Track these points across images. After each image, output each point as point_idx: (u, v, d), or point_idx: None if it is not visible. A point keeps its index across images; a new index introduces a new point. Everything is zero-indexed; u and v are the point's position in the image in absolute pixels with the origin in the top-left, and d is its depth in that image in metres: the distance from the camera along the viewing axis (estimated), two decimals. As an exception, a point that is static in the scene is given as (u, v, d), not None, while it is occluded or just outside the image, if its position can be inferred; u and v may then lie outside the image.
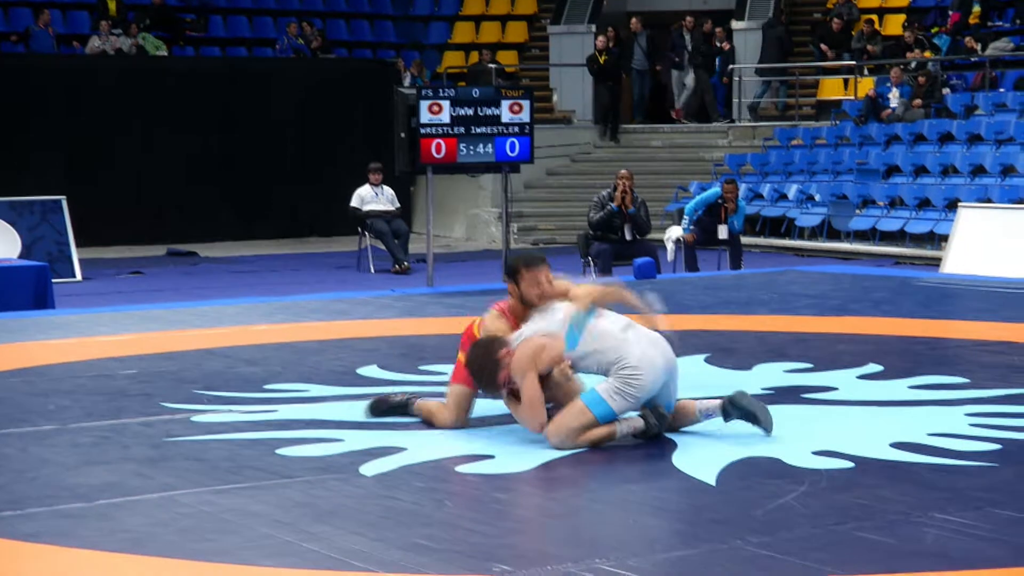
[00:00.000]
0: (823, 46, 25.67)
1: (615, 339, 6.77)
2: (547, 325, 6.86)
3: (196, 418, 7.55)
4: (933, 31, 25.17)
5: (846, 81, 25.91)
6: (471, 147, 15.36)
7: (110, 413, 7.70)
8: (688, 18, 26.83)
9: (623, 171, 15.71)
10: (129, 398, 8.14)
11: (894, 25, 26.29)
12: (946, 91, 23.31)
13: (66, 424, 7.43)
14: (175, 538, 5.37)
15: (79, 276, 17.61)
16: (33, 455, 6.74)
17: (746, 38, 26.68)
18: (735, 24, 26.78)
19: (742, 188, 20.47)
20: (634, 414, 6.82)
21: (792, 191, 22.46)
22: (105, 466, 6.51)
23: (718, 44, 26.16)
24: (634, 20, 26.59)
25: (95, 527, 5.53)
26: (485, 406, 7.43)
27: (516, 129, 15.70)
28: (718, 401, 6.98)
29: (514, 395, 6.88)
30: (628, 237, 15.39)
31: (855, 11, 26.50)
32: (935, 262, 17.50)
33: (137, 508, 5.78)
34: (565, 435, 6.69)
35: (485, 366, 6.86)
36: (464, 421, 7.19)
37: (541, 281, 7.05)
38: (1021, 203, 18.50)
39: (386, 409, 7.44)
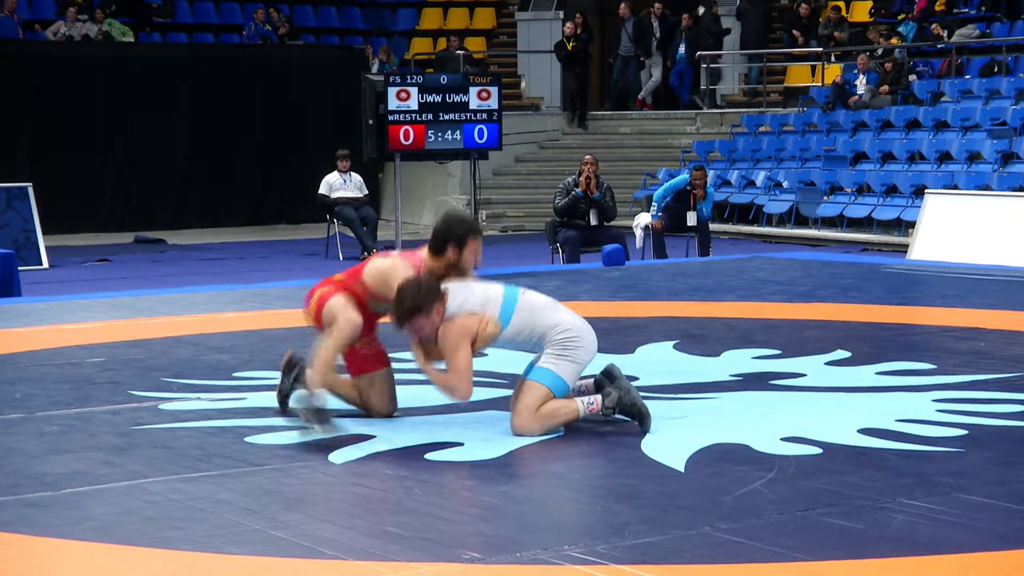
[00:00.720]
0: (795, 32, 25.72)
1: (546, 308, 6.79)
2: (473, 301, 6.72)
3: (164, 406, 7.52)
4: (900, 18, 25.25)
5: (813, 68, 25.97)
6: (439, 134, 15.35)
7: (77, 401, 7.67)
8: (657, 5, 26.83)
9: (587, 156, 15.69)
10: (96, 386, 8.10)
11: (861, 12, 26.36)
12: (912, 78, 23.40)
13: (32, 412, 7.39)
14: (143, 526, 5.35)
15: (46, 264, 17.52)
16: (-1, 444, 6.71)
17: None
18: (702, 10, 26.77)
19: (710, 175, 20.51)
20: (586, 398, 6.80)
21: (760, 178, 22.51)
22: (72, 454, 6.48)
23: (713, 26, 26.17)
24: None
25: (62, 516, 5.50)
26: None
27: (484, 116, 15.70)
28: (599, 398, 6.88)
29: (422, 346, 6.76)
30: (594, 222, 15.38)
31: (822, -3, 26.56)
32: (902, 248, 17.57)
33: (104, 496, 5.76)
34: (527, 417, 6.68)
35: (415, 305, 6.60)
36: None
37: (478, 251, 6.98)
38: (987, 189, 18.60)
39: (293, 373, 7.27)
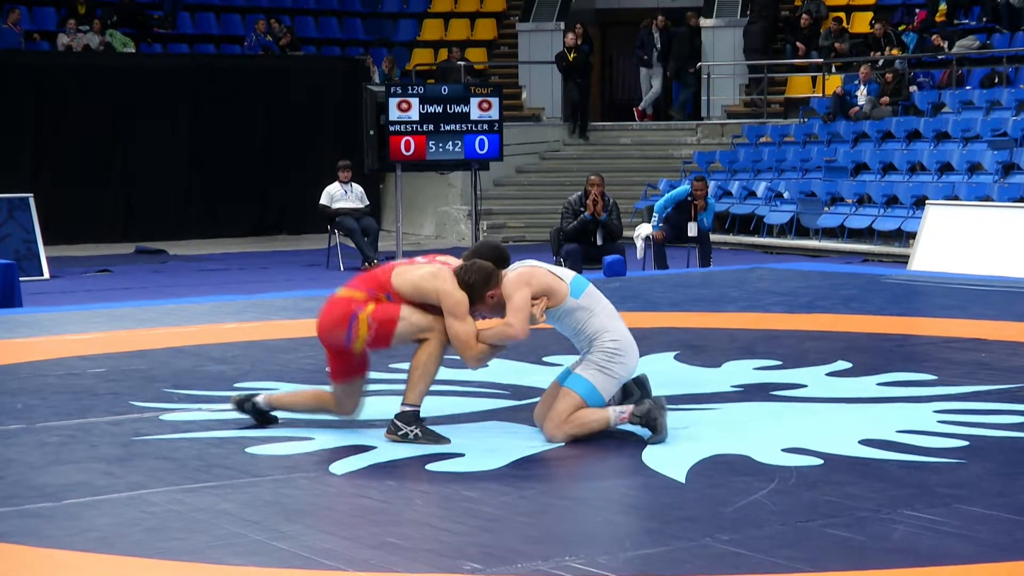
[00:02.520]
0: (798, 43, 25.76)
1: (606, 313, 6.88)
2: (545, 268, 6.89)
3: (165, 417, 7.52)
4: (900, 29, 25.28)
5: (814, 79, 26.00)
6: (440, 144, 15.37)
7: (78, 412, 7.67)
8: (659, 16, 26.88)
9: (593, 177, 15.57)
10: (97, 397, 8.10)
11: (862, 23, 26.39)
12: (913, 89, 23.41)
13: (33, 423, 7.39)
14: (143, 537, 5.35)
15: (47, 274, 17.52)
16: (0, 455, 6.70)
17: (715, 36, 26.74)
18: (704, 22, 26.83)
19: (711, 186, 20.52)
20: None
21: (761, 188, 22.52)
22: (73, 465, 6.48)
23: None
24: (660, 17, 26.64)
25: (63, 526, 5.50)
26: (456, 405, 7.42)
27: (485, 126, 15.74)
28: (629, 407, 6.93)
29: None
30: (600, 242, 15.36)
31: (823, 8, 26.59)
32: (903, 259, 17.57)
33: (105, 507, 5.75)
34: (557, 422, 6.74)
35: (481, 281, 6.74)
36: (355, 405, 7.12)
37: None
38: (988, 200, 18.60)
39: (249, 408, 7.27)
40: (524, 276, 6.81)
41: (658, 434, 6.77)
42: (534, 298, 6.78)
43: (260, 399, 7.25)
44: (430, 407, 7.40)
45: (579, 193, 15.57)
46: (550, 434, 6.78)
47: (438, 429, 7.07)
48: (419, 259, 7.08)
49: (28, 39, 24.23)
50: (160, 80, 23.48)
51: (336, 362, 7.06)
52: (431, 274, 6.85)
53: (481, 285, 6.77)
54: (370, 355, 7.14)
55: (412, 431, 6.80)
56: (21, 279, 14.09)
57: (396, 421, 6.84)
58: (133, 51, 24.77)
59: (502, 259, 6.98)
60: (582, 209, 15.35)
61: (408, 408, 6.83)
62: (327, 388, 7.23)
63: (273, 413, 7.28)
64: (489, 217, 23.26)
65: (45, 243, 17.88)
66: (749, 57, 26.10)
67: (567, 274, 6.96)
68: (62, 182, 22.14)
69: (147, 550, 5.18)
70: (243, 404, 7.26)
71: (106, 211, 22.92)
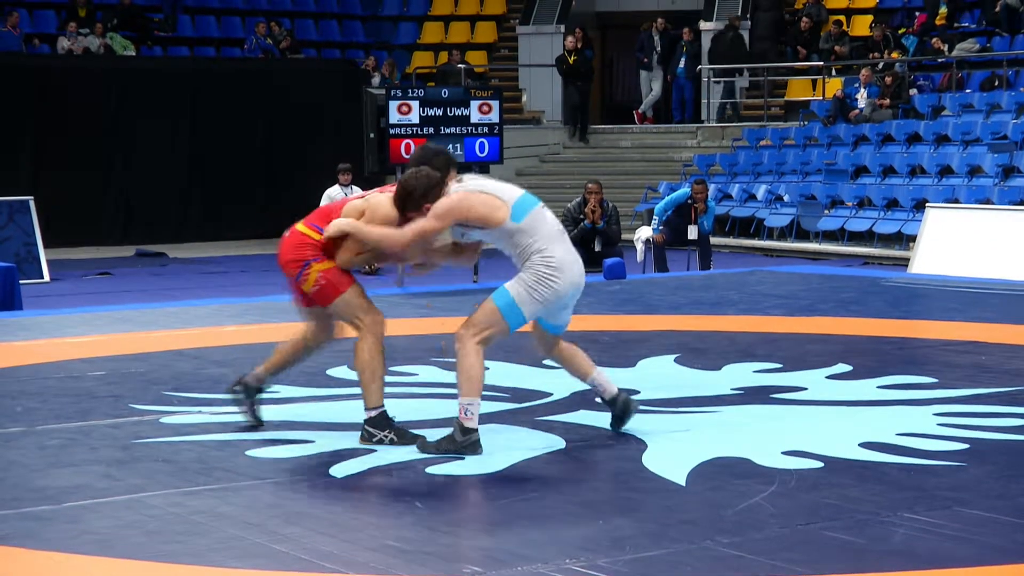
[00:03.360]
0: (799, 47, 25.77)
1: (549, 234, 6.67)
2: (490, 187, 6.70)
3: (165, 419, 7.52)
4: (900, 32, 25.29)
5: (814, 82, 26.00)
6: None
7: (78, 415, 7.67)
8: (659, 19, 26.89)
9: (591, 184, 15.56)
10: (97, 399, 8.10)
11: (862, 26, 26.40)
12: (913, 92, 23.42)
13: (33, 426, 7.39)
14: (143, 540, 5.35)
15: (47, 277, 17.52)
16: (0, 457, 6.70)
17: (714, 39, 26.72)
18: (703, 25, 26.84)
19: (711, 188, 20.52)
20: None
21: (761, 191, 22.52)
22: (73, 468, 6.48)
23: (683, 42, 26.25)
24: (660, 20, 26.68)
25: (63, 529, 5.50)
26: (455, 409, 7.42)
27: (485, 129, 15.71)
28: (615, 389, 6.97)
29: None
30: (598, 249, 15.36)
31: (823, 12, 26.60)
32: (903, 262, 17.57)
33: (105, 510, 5.76)
34: (472, 331, 6.59)
35: (422, 188, 6.61)
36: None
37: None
38: (988, 203, 18.60)
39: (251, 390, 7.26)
40: (462, 206, 6.61)
41: (621, 424, 6.86)
42: (465, 226, 6.63)
43: (249, 378, 7.20)
44: (430, 410, 7.41)
45: (578, 199, 15.57)
46: (460, 340, 6.61)
47: (438, 432, 7.07)
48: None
49: (28, 42, 24.24)
50: (160, 83, 23.48)
51: (297, 290, 7.03)
52: (368, 196, 6.88)
53: (421, 193, 6.62)
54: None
55: (386, 435, 6.80)
56: (21, 282, 14.09)
57: (367, 428, 6.82)
58: (133, 54, 24.78)
59: (447, 165, 6.85)
60: (581, 216, 15.35)
61: (373, 412, 6.82)
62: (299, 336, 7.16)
63: (262, 398, 7.25)
64: (489, 220, 23.24)
65: (45, 246, 17.89)
66: (753, 54, 26.10)
67: (512, 194, 6.69)
68: (62, 185, 22.13)
69: (147, 553, 5.18)
70: (235, 390, 7.22)
71: (106, 214, 22.92)
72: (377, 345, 6.82)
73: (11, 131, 22.23)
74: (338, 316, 6.95)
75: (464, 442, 6.59)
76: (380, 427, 6.81)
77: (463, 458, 6.57)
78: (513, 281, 6.68)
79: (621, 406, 6.99)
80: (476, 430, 6.64)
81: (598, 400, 7.18)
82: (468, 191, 6.69)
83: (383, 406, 6.85)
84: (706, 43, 26.67)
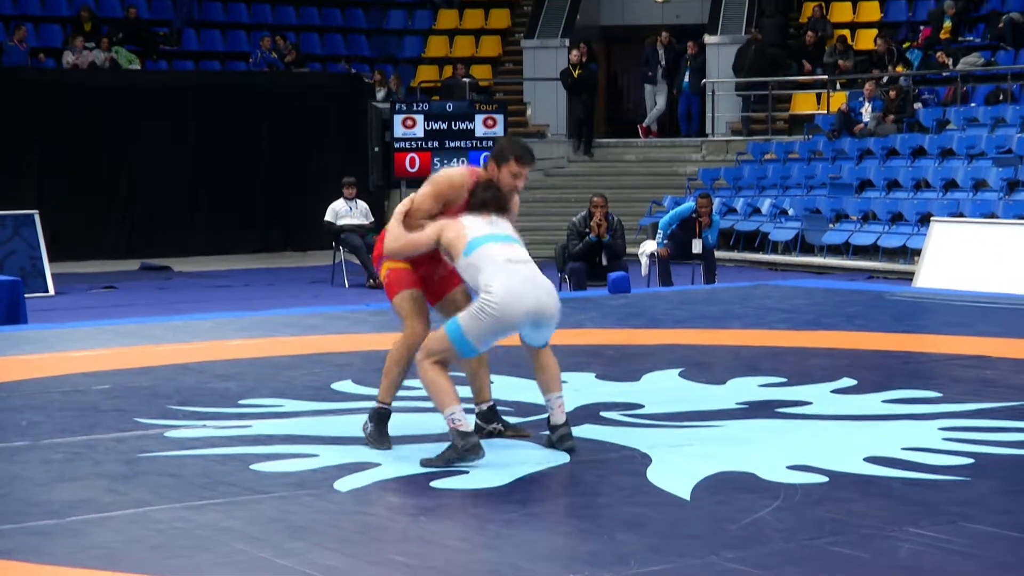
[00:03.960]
0: (804, 61, 25.80)
1: (493, 265, 6.77)
2: (472, 223, 6.93)
3: (170, 433, 7.52)
4: (905, 46, 25.30)
5: (819, 96, 26.02)
6: (445, 161, 15.38)
7: (83, 429, 7.67)
8: (664, 33, 26.93)
9: (596, 198, 15.54)
10: (102, 413, 8.10)
11: (866, 40, 26.42)
12: (918, 106, 23.43)
13: (38, 440, 7.39)
14: (148, 554, 5.35)
15: (52, 291, 17.54)
16: (4, 471, 6.71)
17: (719, 53, 26.76)
18: (708, 39, 26.86)
19: (716, 202, 20.53)
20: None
21: (765, 205, 22.53)
22: (77, 482, 6.48)
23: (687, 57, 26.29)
24: (664, 34, 26.73)
25: (67, 544, 5.50)
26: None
27: (490, 143, 15.70)
28: (562, 419, 6.96)
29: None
30: (604, 263, 15.36)
31: (828, 26, 26.62)
32: (908, 276, 17.56)
33: (110, 524, 5.75)
34: (421, 354, 6.82)
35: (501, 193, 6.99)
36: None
37: (519, 176, 7.06)
38: (993, 217, 18.60)
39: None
40: (443, 224, 6.93)
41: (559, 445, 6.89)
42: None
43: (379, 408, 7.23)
44: (430, 425, 7.40)
45: (583, 213, 15.57)
46: (416, 362, 6.87)
47: (443, 446, 7.08)
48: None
49: (34, 56, 24.29)
50: (165, 97, 23.53)
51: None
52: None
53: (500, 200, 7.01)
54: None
55: (367, 426, 7.12)
56: (26, 296, 14.10)
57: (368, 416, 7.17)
58: (138, 68, 24.82)
59: (518, 154, 7.08)
60: (586, 230, 15.34)
61: (375, 404, 7.16)
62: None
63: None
64: (494, 234, 23.24)
65: (50, 260, 17.91)
66: (751, 74, 26.12)
67: (476, 231, 6.87)
68: (67, 199, 22.17)
69: (152, 567, 5.18)
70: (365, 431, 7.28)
71: (111, 228, 22.94)
72: (405, 351, 7.06)
73: (17, 145, 22.27)
74: (394, 313, 7.28)
75: (465, 446, 6.63)
76: (370, 418, 7.13)
77: (467, 472, 6.57)
78: (465, 311, 6.82)
79: (557, 438, 6.96)
80: (473, 433, 6.69)
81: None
82: (458, 218, 6.96)
83: (387, 405, 7.11)
84: (711, 56, 26.70)
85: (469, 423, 6.77)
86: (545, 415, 7.09)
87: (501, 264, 6.79)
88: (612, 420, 7.76)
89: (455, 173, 7.27)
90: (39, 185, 22.13)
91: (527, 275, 6.82)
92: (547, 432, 7.05)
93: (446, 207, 7.07)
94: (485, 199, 7.03)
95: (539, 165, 25.78)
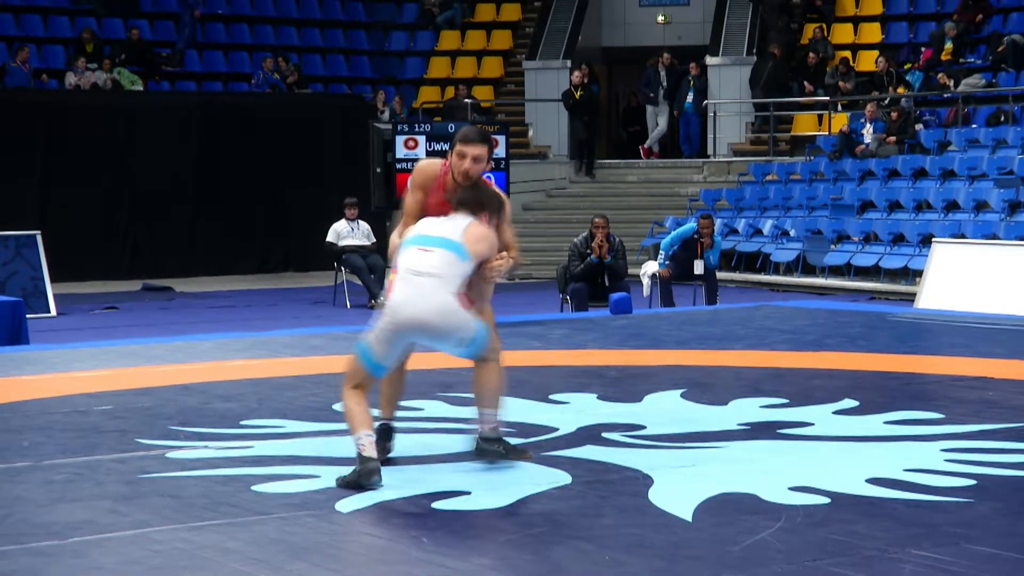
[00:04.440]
0: (805, 83, 25.85)
1: (398, 271, 6.89)
2: (421, 224, 7.05)
3: (171, 454, 7.51)
4: (906, 67, 25.35)
5: (820, 117, 26.05)
6: (447, 182, 15.35)
7: (84, 450, 7.66)
8: (666, 55, 26.99)
9: (597, 219, 15.53)
10: (103, 434, 8.10)
11: (868, 61, 26.46)
12: (919, 127, 23.46)
13: (39, 461, 7.38)
14: (149, 575, 5.33)
15: (54, 311, 17.55)
16: (5, 492, 6.70)
17: (721, 74, 26.82)
18: (709, 60, 26.92)
19: (717, 223, 20.54)
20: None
21: (767, 226, 22.54)
22: (79, 503, 6.47)
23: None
24: (666, 55, 26.83)
25: (68, 565, 5.49)
26: (461, 443, 7.42)
27: (492, 164, 15.73)
28: (487, 433, 7.07)
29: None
30: (606, 283, 15.36)
31: (830, 48, 26.67)
32: (910, 297, 17.56)
33: (111, 545, 5.74)
34: (344, 380, 6.89)
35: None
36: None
37: (466, 157, 7.10)
38: (994, 239, 18.60)
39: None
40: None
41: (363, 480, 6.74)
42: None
43: (486, 432, 7.14)
44: (438, 444, 7.39)
45: (584, 234, 15.57)
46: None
47: (444, 467, 7.07)
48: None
49: (37, 77, 24.35)
50: (168, 118, 23.58)
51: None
52: None
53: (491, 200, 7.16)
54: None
55: (499, 448, 6.97)
56: (28, 316, 14.12)
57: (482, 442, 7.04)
58: (141, 89, 24.88)
59: (464, 137, 7.20)
60: (588, 251, 15.34)
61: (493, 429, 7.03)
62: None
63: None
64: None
65: (52, 280, 17.93)
66: (757, 95, 26.19)
67: (412, 233, 7.00)
68: (70, 219, 22.20)
69: (152, 588, 5.16)
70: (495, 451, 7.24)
71: (113, 248, 22.97)
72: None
73: (19, 166, 22.32)
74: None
75: (361, 471, 6.62)
76: (494, 443, 6.98)
77: (469, 493, 6.56)
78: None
79: (478, 450, 7.09)
80: (373, 459, 6.68)
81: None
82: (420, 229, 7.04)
83: (387, 419, 7.20)
84: (713, 77, 26.75)
85: (370, 450, 6.67)
86: (546, 436, 7.10)
87: (402, 272, 6.88)
88: (614, 441, 7.75)
89: (425, 162, 7.40)
90: (41, 206, 22.16)
91: (420, 285, 6.80)
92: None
93: (427, 197, 7.14)
94: (461, 198, 7.06)
95: (541, 186, 25.87)
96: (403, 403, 8.70)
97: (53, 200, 22.39)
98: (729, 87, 26.70)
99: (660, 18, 29.17)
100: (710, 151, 26.43)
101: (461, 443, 7.59)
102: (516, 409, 8.54)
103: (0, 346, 12.70)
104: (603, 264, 15.30)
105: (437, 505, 6.38)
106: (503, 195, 7.34)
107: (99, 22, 26.34)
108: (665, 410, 8.78)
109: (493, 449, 7.02)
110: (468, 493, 6.57)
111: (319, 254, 20.58)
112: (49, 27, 26.18)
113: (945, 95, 24.13)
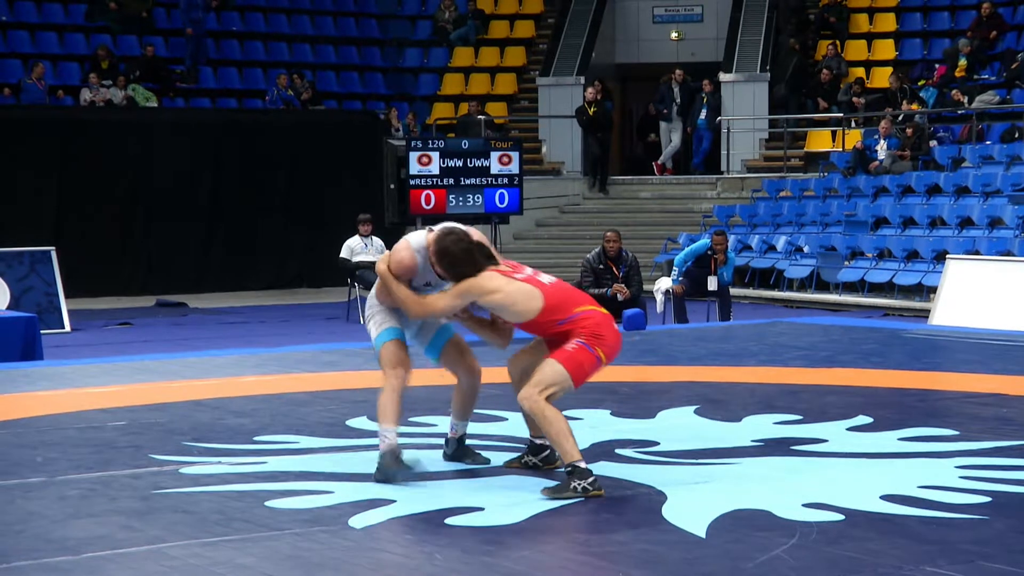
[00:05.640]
0: (818, 99, 25.87)
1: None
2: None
3: (185, 470, 7.52)
4: (920, 84, 25.34)
5: (834, 133, 26.04)
6: (460, 198, 15.41)
7: (98, 465, 7.67)
8: (678, 71, 27.01)
9: (609, 233, 15.41)
10: (117, 450, 8.11)
11: (881, 78, 26.46)
12: (933, 143, 23.43)
13: (54, 476, 7.40)
14: (163, 591, 5.34)
15: (68, 327, 17.57)
16: (20, 508, 6.71)
17: (734, 90, 26.83)
18: (723, 76, 26.93)
19: (731, 239, 20.53)
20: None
21: (781, 243, 22.52)
22: (93, 519, 6.48)
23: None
24: (679, 71, 26.88)
25: (82, 580, 5.49)
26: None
27: (505, 180, 15.76)
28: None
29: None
30: (620, 299, 15.28)
31: (843, 64, 26.67)
32: (924, 314, 17.53)
33: (125, 561, 5.75)
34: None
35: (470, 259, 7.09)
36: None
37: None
38: (1009, 255, 18.56)
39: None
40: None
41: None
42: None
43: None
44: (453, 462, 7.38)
45: (597, 250, 15.54)
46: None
47: (457, 483, 7.07)
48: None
49: (52, 94, 24.42)
50: (182, 134, 23.62)
51: None
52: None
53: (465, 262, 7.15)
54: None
55: (579, 484, 6.78)
56: (43, 332, 14.14)
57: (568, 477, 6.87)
58: (155, 105, 24.94)
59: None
60: (601, 267, 15.30)
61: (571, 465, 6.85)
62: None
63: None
64: (509, 271, 23.25)
65: (67, 296, 17.94)
66: (780, 91, 26.21)
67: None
68: (84, 235, 22.24)
69: (166, 604, 5.17)
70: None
71: (127, 264, 23.00)
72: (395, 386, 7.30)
73: (34, 182, 22.36)
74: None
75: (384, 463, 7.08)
76: (581, 476, 6.80)
77: (483, 509, 6.55)
78: None
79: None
80: (386, 453, 7.05)
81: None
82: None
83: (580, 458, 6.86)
84: (727, 94, 26.76)
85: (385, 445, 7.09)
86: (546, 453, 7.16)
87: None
88: (627, 457, 7.75)
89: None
90: (56, 221, 22.21)
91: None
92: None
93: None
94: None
95: (554, 202, 25.89)
96: (416, 419, 8.72)
97: (67, 216, 22.43)
98: (742, 103, 26.70)
99: (674, 35, 29.19)
100: (723, 167, 26.43)
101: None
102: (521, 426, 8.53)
103: (14, 361, 12.72)
104: (616, 300, 15.04)
105: (451, 521, 6.38)
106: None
107: (114, 39, 26.41)
108: (679, 426, 8.77)
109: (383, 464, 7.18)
110: (482, 509, 6.57)
111: (333, 270, 20.58)
112: (64, 44, 26.25)
113: (959, 111, 24.11)
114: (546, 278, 7.16)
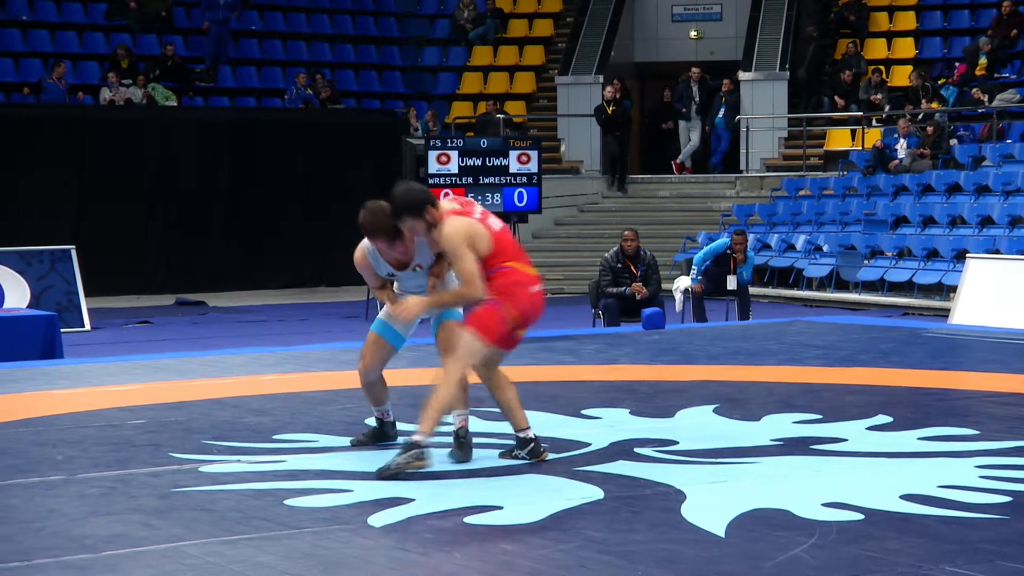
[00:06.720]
0: (837, 98, 25.82)
1: None
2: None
3: (204, 468, 7.53)
4: (940, 83, 25.27)
5: (853, 132, 25.99)
6: (479, 197, 15.38)
7: (118, 463, 7.69)
8: (695, 69, 26.98)
9: (627, 231, 15.39)
10: (137, 448, 8.13)
11: (901, 76, 26.40)
12: (953, 142, 23.37)
13: (73, 474, 7.42)
14: (182, 589, 5.35)
15: (88, 326, 17.62)
16: (40, 505, 6.73)
17: (753, 89, 26.79)
18: (742, 75, 26.89)
19: (750, 239, 20.50)
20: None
21: (800, 242, 22.48)
22: (112, 517, 6.49)
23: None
24: (697, 70, 26.87)
25: (102, 578, 5.51)
26: (493, 458, 7.41)
27: (524, 179, 15.76)
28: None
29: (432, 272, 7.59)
30: (638, 298, 15.26)
31: (863, 63, 26.61)
32: (943, 313, 17.49)
33: (144, 559, 5.76)
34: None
35: (412, 204, 7.41)
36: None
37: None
38: (1029, 254, 18.50)
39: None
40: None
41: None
42: None
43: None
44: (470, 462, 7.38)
45: (615, 249, 15.51)
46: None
47: (476, 481, 7.07)
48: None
49: (72, 93, 24.49)
50: (201, 133, 23.67)
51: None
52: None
53: (405, 208, 7.60)
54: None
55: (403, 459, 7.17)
56: (63, 330, 14.18)
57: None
58: (175, 104, 24.99)
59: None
60: (619, 265, 15.27)
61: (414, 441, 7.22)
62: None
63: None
64: (528, 270, 23.26)
65: (86, 295, 18.00)
66: (800, 76, 26.19)
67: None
68: (104, 234, 22.30)
69: (185, 602, 5.18)
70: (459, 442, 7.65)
71: (147, 263, 23.06)
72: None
73: (54, 180, 22.43)
74: None
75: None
76: (410, 453, 7.19)
77: (502, 508, 6.55)
78: None
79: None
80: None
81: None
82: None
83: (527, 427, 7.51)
84: (746, 93, 26.73)
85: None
86: (579, 451, 7.11)
87: None
88: (646, 456, 7.74)
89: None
90: (76, 220, 22.27)
91: None
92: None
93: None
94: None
95: (573, 201, 25.88)
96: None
97: (87, 214, 22.49)
98: (762, 102, 26.66)
99: (693, 33, 29.16)
100: (743, 166, 26.40)
101: (493, 457, 7.59)
102: (549, 424, 8.54)
103: (35, 360, 12.77)
104: (634, 296, 15.05)
105: (469, 520, 6.38)
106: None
107: (134, 38, 26.47)
108: (697, 425, 8.76)
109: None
110: (500, 508, 6.57)
111: (351, 269, 20.53)
112: (84, 43, 26.33)
113: (979, 110, 24.04)
114: (496, 223, 7.48)
